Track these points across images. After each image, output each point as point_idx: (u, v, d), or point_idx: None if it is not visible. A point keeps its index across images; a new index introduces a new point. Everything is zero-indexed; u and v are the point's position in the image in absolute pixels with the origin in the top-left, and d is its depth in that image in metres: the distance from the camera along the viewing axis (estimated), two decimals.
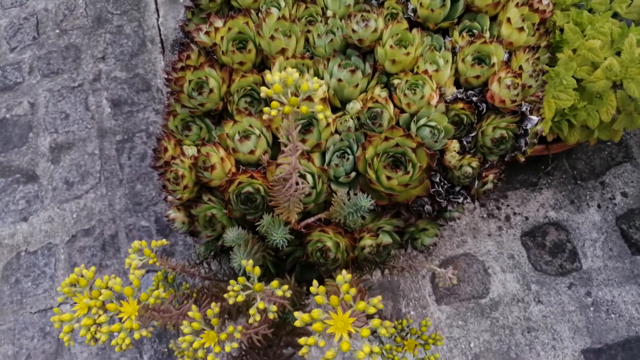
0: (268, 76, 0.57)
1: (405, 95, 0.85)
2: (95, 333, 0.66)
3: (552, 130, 1.26)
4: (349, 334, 0.53)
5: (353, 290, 0.53)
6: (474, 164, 0.88)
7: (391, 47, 0.86)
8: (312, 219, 0.85)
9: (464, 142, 0.89)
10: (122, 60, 1.91)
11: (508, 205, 1.57)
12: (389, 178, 0.82)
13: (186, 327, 0.62)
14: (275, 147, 0.90)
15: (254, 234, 0.88)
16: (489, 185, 0.93)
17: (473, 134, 0.89)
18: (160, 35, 1.94)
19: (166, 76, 0.97)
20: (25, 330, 1.52)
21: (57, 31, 1.99)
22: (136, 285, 0.67)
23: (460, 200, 0.91)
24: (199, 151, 0.88)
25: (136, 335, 0.63)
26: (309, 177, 0.84)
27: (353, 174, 0.85)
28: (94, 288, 0.69)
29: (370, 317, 0.55)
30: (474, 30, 0.92)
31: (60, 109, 1.85)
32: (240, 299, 0.61)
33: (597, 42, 1.14)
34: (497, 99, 0.86)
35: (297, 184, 0.72)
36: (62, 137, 1.80)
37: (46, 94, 1.88)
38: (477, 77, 0.87)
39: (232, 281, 0.62)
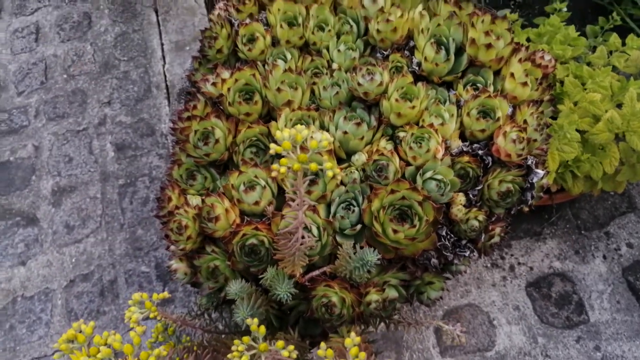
0: (278, 134, 0.57)
1: (410, 148, 0.86)
2: None
3: (556, 181, 1.26)
4: None
5: (363, 355, 0.51)
6: (481, 217, 0.88)
7: (396, 100, 0.87)
8: (316, 272, 0.84)
9: (470, 195, 0.89)
10: (127, 105, 1.93)
11: (512, 255, 1.56)
12: (395, 231, 0.81)
13: None
14: (280, 197, 0.89)
15: (257, 287, 0.86)
16: (496, 239, 0.92)
17: (479, 187, 0.89)
18: (165, 81, 1.97)
19: (172, 125, 0.97)
20: None
21: (65, 76, 2.02)
22: (136, 342, 0.65)
23: (466, 254, 0.90)
24: (203, 201, 0.87)
25: None
26: (314, 229, 0.83)
27: (359, 226, 0.85)
28: (92, 345, 0.67)
29: None
30: (478, 84, 0.94)
31: (64, 152, 1.86)
32: (244, 359, 0.59)
33: (598, 95, 1.16)
34: (503, 152, 0.86)
35: (302, 237, 0.71)
36: (64, 180, 1.80)
37: (51, 137, 1.89)
38: (483, 130, 0.88)
39: (236, 341, 0.60)
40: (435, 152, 0.85)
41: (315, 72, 0.98)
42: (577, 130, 1.13)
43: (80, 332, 0.68)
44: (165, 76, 1.98)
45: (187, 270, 0.92)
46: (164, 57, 2.02)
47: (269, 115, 0.96)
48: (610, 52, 1.32)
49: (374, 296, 0.83)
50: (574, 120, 1.03)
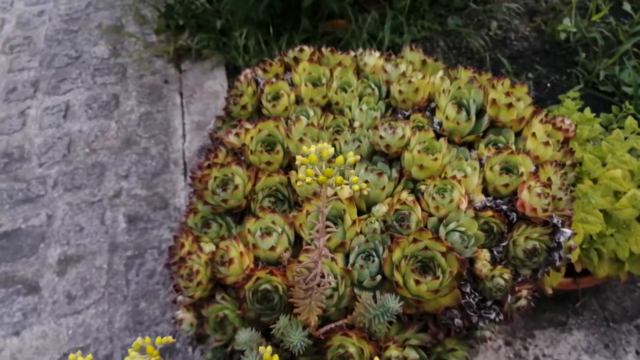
0: (304, 148, 0.56)
1: (433, 198, 0.84)
2: None
3: (580, 259, 1.22)
4: None
5: None
6: (506, 275, 0.83)
7: (419, 152, 0.87)
8: (332, 325, 0.78)
9: (495, 252, 0.85)
10: (144, 179, 1.96)
11: (536, 346, 1.46)
12: (417, 282, 0.77)
13: None
14: (297, 247, 0.86)
15: (267, 340, 0.80)
16: (523, 302, 0.86)
17: (504, 244, 0.85)
18: (184, 157, 2.01)
19: (191, 174, 0.97)
20: None
21: (87, 150, 2.08)
22: None
23: (492, 316, 0.84)
24: (217, 246, 0.84)
25: None
26: (332, 279, 0.79)
27: (378, 277, 0.80)
28: None
29: None
30: (499, 144, 0.94)
31: (76, 222, 1.85)
32: None
33: (619, 172, 1.15)
34: (528, 207, 0.84)
35: (322, 276, 0.67)
36: (72, 249, 1.77)
37: (65, 207, 1.89)
38: (506, 185, 0.86)
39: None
40: (458, 202, 0.82)
41: (337, 129, 1.00)
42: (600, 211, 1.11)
43: None
44: (184, 153, 2.02)
45: (194, 321, 0.86)
46: (184, 136, 2.08)
47: (289, 167, 0.96)
48: (625, 138, 1.33)
49: (393, 352, 0.76)
50: (598, 187, 1.02)
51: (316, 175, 0.55)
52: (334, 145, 0.97)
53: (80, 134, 2.14)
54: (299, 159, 0.56)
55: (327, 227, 0.63)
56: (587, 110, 1.30)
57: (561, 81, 2.05)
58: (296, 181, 0.87)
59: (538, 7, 2.40)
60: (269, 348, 0.55)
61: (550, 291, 1.27)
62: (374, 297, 0.75)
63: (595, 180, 1.20)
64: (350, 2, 2.19)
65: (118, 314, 1.59)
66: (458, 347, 0.87)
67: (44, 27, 2.69)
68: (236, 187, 0.89)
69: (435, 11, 2.36)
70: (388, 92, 1.05)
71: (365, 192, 0.55)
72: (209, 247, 0.88)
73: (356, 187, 0.55)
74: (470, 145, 0.97)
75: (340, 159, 0.56)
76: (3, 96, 2.33)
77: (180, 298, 0.88)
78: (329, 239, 0.81)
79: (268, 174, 0.91)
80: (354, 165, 0.57)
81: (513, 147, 0.92)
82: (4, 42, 2.61)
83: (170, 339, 0.77)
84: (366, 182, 0.86)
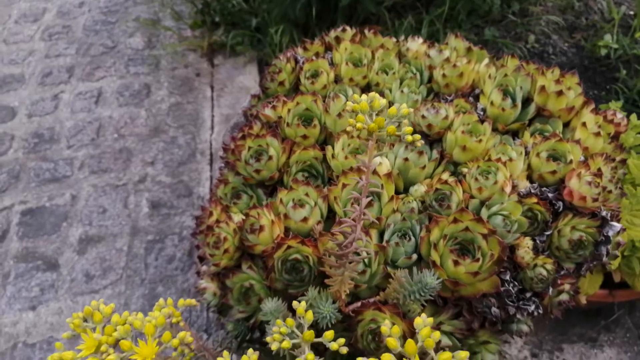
0: (355, 95, 0.53)
1: (476, 179, 0.80)
2: None
3: (620, 269, 1.16)
4: None
5: (437, 334, 0.42)
6: (549, 266, 0.78)
7: (462, 132, 0.84)
8: (360, 303, 0.74)
9: (537, 242, 0.80)
10: (169, 167, 1.95)
11: None
12: (456, 263, 0.73)
13: None
14: (329, 222, 0.83)
15: (293, 315, 0.76)
16: (565, 296, 0.81)
17: (548, 233, 0.80)
18: (211, 149, 2.00)
19: (223, 146, 0.95)
20: None
21: (115, 135, 2.08)
22: (160, 323, 0.56)
23: (531, 308, 0.79)
24: (247, 214, 0.81)
25: None
26: (364, 254, 0.75)
27: (414, 257, 0.76)
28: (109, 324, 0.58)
29: None
30: (546, 134, 0.90)
31: (100, 204, 1.84)
32: (286, 345, 0.49)
33: None
34: (576, 195, 0.79)
35: (356, 254, 0.64)
36: (94, 230, 1.76)
37: (90, 188, 1.89)
38: (553, 172, 0.82)
39: (278, 321, 0.50)
40: (503, 185, 0.78)
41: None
42: None
43: (98, 310, 0.59)
44: (211, 144, 2.01)
45: (217, 291, 0.83)
46: (212, 127, 2.08)
47: (325, 142, 0.93)
48: None
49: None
50: None
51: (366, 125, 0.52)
52: None
53: (110, 120, 2.15)
54: (349, 104, 0.53)
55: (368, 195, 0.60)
56: (634, 116, 1.25)
57: (600, 96, 2.00)
58: (332, 155, 0.84)
59: (578, 23, 2.36)
60: (303, 304, 0.52)
61: (584, 301, 1.21)
62: (410, 273, 0.71)
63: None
64: (387, 6, 2.18)
65: (134, 297, 1.57)
66: (492, 340, 0.82)
67: (83, 17, 2.74)
68: (270, 158, 0.87)
69: (473, 21, 2.34)
70: (430, 78, 1.02)
71: (418, 144, 0.52)
72: (238, 218, 0.85)
73: (409, 138, 0.52)
74: (514, 134, 0.93)
75: (393, 109, 0.53)
76: (39, 80, 2.36)
77: (204, 268, 0.85)
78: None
79: (303, 147, 0.88)
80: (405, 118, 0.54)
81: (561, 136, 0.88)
82: (43, 29, 2.66)
83: (193, 301, 0.74)
84: (406, 159, 0.83)
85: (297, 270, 0.75)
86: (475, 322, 0.79)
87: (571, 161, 0.82)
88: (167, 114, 2.15)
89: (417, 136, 0.52)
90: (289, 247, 0.75)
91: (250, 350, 0.52)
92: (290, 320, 0.51)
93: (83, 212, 1.81)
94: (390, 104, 0.99)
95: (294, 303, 0.52)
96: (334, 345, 0.50)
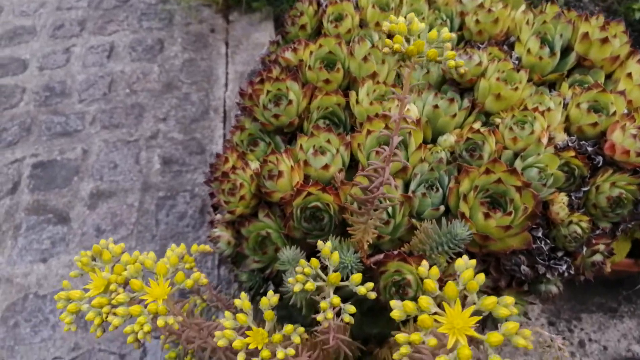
0: (391, 16, 0.48)
1: (511, 129, 0.74)
2: (106, 317, 0.50)
3: None
4: (469, 339, 0.37)
5: (481, 277, 0.38)
6: (584, 224, 0.73)
7: (497, 79, 0.78)
8: (384, 254, 0.70)
9: (573, 198, 0.75)
10: (182, 124, 1.90)
11: (582, 329, 1.35)
12: (486, 216, 0.68)
13: (228, 320, 0.46)
14: (352, 171, 0.78)
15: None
16: (599, 257, 0.77)
17: (585, 189, 0.75)
18: (224, 106, 1.95)
19: (240, 91, 0.90)
20: None
21: (127, 91, 2.03)
22: (173, 263, 0.52)
23: (562, 268, 0.74)
24: (264, 161, 0.77)
25: (160, 322, 0.47)
26: (389, 202, 0.71)
27: (442, 208, 0.72)
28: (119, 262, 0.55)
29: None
30: (586, 85, 0.83)
31: (111, 159, 1.81)
32: (310, 286, 0.45)
33: None
34: (618, 149, 0.74)
35: (380, 201, 0.59)
36: (105, 185, 1.73)
37: (101, 143, 1.85)
38: (594, 124, 0.76)
39: (302, 261, 0.46)
40: (540, 135, 0.73)
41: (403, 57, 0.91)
42: None
43: (107, 249, 0.56)
44: (224, 102, 1.96)
45: (232, 240, 0.79)
46: (226, 85, 2.02)
47: (348, 88, 0.88)
48: None
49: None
50: None
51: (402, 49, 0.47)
52: (398, 76, 0.88)
53: (122, 75, 2.10)
54: (385, 25, 0.47)
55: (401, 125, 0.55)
56: None
57: None
58: (356, 101, 0.79)
59: None
60: (329, 244, 0.48)
61: (609, 269, 1.16)
62: (439, 224, 0.66)
63: None
64: None
65: (144, 252, 1.55)
66: (518, 300, 0.78)
67: None
68: (290, 102, 0.82)
69: None
70: (461, 26, 0.96)
71: (461, 71, 0.46)
72: (254, 165, 0.81)
73: (451, 63, 0.46)
74: (551, 86, 0.87)
75: (433, 32, 0.48)
76: (50, 32, 2.31)
77: (218, 217, 0.81)
78: (389, 162, 0.72)
79: (325, 92, 0.83)
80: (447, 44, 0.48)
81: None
82: None
83: (207, 247, 0.71)
84: (435, 106, 0.78)
85: (317, 218, 0.71)
86: (503, 281, 0.75)
87: (614, 113, 0.76)
88: (181, 70, 2.10)
89: (461, 62, 0.46)
90: (309, 194, 0.70)
91: (270, 292, 0.48)
92: (315, 260, 0.47)
93: (94, 167, 1.78)
94: None
95: (319, 243, 0.48)
96: (361, 290, 0.46)
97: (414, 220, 0.72)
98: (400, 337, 0.36)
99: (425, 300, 0.37)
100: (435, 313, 0.37)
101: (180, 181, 1.73)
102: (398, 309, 0.37)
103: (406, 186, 0.75)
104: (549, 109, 0.76)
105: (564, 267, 0.74)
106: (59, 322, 1.43)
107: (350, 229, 0.65)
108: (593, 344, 1.32)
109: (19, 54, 2.19)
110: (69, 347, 1.41)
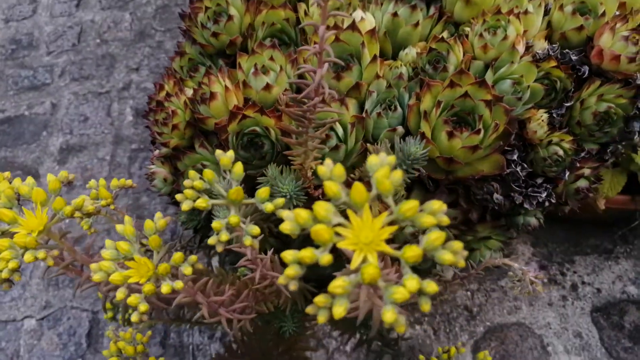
0: None
1: (481, 36, 0.64)
2: None
3: None
4: (380, 256, 0.28)
5: (398, 175, 0.28)
6: (566, 144, 0.63)
7: None
8: None
9: (554, 116, 0.65)
10: (155, 73, 1.80)
11: (575, 272, 1.27)
12: (450, 135, 0.58)
13: (107, 250, 0.37)
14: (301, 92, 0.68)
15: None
16: (583, 182, 0.67)
17: (568, 104, 0.65)
18: None
19: (181, 12, 0.79)
20: None
21: (98, 41, 1.92)
22: (53, 188, 0.43)
23: (542, 197, 0.65)
24: (199, 83, 0.67)
25: (28, 257, 0.39)
26: (339, 127, 0.61)
27: (400, 130, 0.62)
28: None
29: None
30: None
31: (81, 112, 1.71)
32: (201, 204, 0.36)
33: None
34: (607, 55, 0.63)
35: (322, 99, 0.49)
36: (75, 139, 1.64)
37: (71, 96, 1.76)
38: (580, 28, 0.65)
39: (191, 172, 0.37)
40: (514, 41, 0.62)
41: None
42: None
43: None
44: None
45: (168, 176, 0.70)
46: None
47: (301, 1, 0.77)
48: None
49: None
50: None
51: None
52: None
53: (92, 24, 1.98)
54: None
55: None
56: None
57: None
58: (304, 13, 0.68)
59: None
60: (231, 152, 0.39)
61: (602, 206, 1.07)
62: (392, 146, 0.57)
63: None
64: None
65: (118, 207, 1.47)
66: (493, 234, 0.69)
67: None
68: (230, 18, 0.71)
69: None
70: None
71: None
72: (191, 92, 0.71)
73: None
74: None
75: None
76: None
77: (156, 152, 0.72)
78: (339, 79, 0.62)
79: (271, 6, 0.72)
80: None
81: None
82: None
83: (129, 182, 0.62)
84: (395, 14, 0.67)
85: (256, 145, 0.61)
86: (474, 213, 0.66)
87: (604, 14, 0.65)
88: (154, 18, 1.97)
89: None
90: (244, 116, 0.61)
91: (159, 214, 0.40)
92: (209, 171, 0.38)
93: (64, 121, 1.69)
94: None
95: (217, 152, 0.39)
96: (268, 206, 0.37)
97: (368, 145, 0.63)
98: (288, 254, 0.28)
99: (322, 207, 0.28)
100: (339, 224, 0.28)
101: None
102: (289, 220, 0.28)
103: (361, 107, 0.65)
104: (526, 12, 0.65)
105: (544, 195, 0.65)
106: (29, 280, 1.37)
107: (288, 152, 0.56)
108: (586, 286, 1.24)
109: None
110: (40, 305, 1.35)
